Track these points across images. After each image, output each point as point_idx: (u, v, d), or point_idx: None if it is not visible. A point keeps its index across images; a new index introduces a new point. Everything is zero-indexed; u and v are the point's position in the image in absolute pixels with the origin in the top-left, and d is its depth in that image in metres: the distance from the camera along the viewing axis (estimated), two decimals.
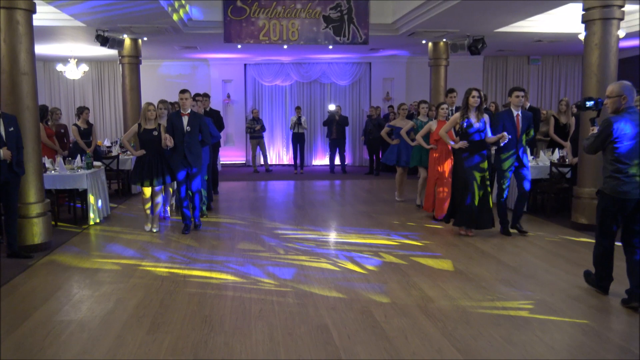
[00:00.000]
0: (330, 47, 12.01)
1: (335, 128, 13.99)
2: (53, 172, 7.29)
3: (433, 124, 7.65)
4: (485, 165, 6.40)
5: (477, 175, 6.32)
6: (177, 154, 6.72)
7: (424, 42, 12.35)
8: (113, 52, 11.86)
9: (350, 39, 11.20)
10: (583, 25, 6.96)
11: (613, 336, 3.67)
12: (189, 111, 6.77)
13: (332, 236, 6.81)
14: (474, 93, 6.29)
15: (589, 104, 4.61)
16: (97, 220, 7.51)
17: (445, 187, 7.35)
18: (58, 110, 9.52)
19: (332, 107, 14.40)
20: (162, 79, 15.57)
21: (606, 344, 3.55)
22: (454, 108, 7.95)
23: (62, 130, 9.38)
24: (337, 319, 3.99)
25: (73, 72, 13.39)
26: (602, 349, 3.47)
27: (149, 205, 6.96)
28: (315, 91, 16.12)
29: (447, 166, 7.37)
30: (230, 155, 15.91)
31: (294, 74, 15.77)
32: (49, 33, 10.58)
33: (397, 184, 9.38)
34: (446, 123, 6.83)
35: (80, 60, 13.83)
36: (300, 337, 3.67)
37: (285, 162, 16.06)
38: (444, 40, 12.16)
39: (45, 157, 7.59)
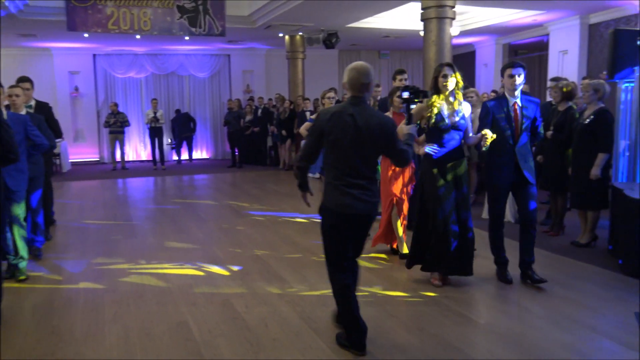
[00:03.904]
0: (187, 38, 11.70)
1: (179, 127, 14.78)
2: None
3: None
4: (463, 179, 4.34)
5: (453, 195, 4.31)
6: None
7: (280, 35, 12.55)
8: None
9: (207, 31, 11.02)
10: (422, 23, 7.60)
11: (451, 304, 4.09)
12: None
13: (194, 235, 6.69)
14: (446, 70, 4.21)
15: (405, 94, 3.81)
16: None
17: (405, 212, 5.21)
18: None
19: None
20: None
21: (446, 311, 3.95)
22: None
23: None
24: (197, 314, 3.96)
25: None
26: (440, 316, 3.85)
27: None
28: (173, 83, 15.63)
29: (407, 181, 5.21)
30: (82, 152, 14.82)
31: (149, 66, 15.11)
32: None
33: None
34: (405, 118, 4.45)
35: None
36: (158, 337, 3.58)
37: (144, 158, 15.37)
38: (300, 33, 12.47)
39: None
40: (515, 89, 4.27)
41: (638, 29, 6.66)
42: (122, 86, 15.20)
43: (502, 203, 4.53)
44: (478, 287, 4.43)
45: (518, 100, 4.31)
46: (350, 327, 3.31)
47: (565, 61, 11.40)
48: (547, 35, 12.07)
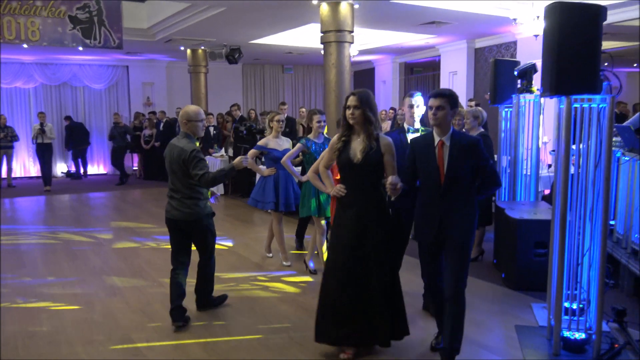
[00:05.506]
0: (80, 49, 11.12)
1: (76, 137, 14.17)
2: None
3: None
4: (377, 228, 3.55)
5: (358, 249, 3.54)
6: None
7: (182, 48, 12.32)
8: None
9: (102, 43, 10.52)
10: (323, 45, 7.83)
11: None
12: None
13: (90, 262, 6.37)
14: (350, 101, 3.55)
15: None
16: None
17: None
18: None
19: None
20: None
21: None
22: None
23: None
24: (94, 354, 3.78)
25: None
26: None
27: None
28: (66, 95, 14.78)
29: None
30: None
31: (39, 76, 14.19)
32: None
33: (268, 237, 6.15)
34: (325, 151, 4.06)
35: None
36: None
37: (33, 174, 14.38)
38: (202, 47, 12.32)
39: None
40: (436, 124, 3.33)
41: (516, 59, 7.33)
42: (8, 97, 14.11)
43: (429, 266, 3.54)
44: None
45: (444, 139, 3.34)
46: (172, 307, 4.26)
47: (456, 81, 12.23)
48: (439, 56, 12.89)
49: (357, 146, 3.53)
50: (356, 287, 3.51)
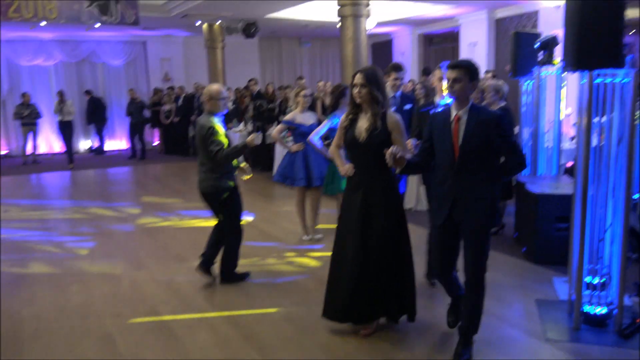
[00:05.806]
0: (97, 26, 11.16)
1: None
2: None
3: None
4: (382, 207, 3.54)
5: (364, 228, 3.55)
6: None
7: (198, 23, 12.29)
8: None
9: (119, 19, 10.57)
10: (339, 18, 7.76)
11: None
12: None
13: (116, 237, 6.52)
14: (356, 79, 3.50)
15: None
16: None
17: None
18: None
19: None
20: None
21: None
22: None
23: None
24: (122, 326, 3.92)
25: None
26: None
27: None
28: (84, 71, 14.87)
29: None
30: None
31: (59, 53, 14.31)
32: None
33: (298, 215, 5.92)
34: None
35: None
36: (83, 353, 3.53)
37: (57, 150, 14.64)
38: (219, 22, 12.27)
39: None
40: (454, 97, 3.14)
41: (537, 31, 7.17)
42: (29, 74, 14.27)
43: (438, 253, 3.37)
44: None
45: (461, 112, 3.13)
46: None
47: (476, 53, 12.01)
48: (458, 27, 12.65)
49: (363, 125, 3.51)
50: (362, 266, 3.52)
